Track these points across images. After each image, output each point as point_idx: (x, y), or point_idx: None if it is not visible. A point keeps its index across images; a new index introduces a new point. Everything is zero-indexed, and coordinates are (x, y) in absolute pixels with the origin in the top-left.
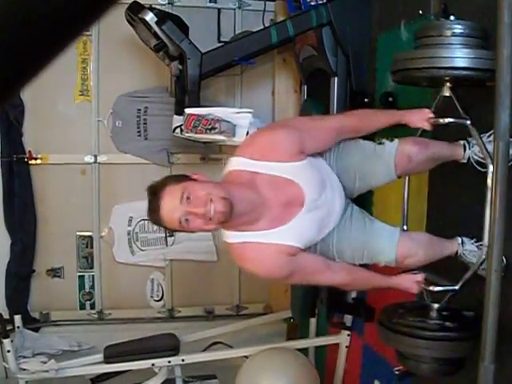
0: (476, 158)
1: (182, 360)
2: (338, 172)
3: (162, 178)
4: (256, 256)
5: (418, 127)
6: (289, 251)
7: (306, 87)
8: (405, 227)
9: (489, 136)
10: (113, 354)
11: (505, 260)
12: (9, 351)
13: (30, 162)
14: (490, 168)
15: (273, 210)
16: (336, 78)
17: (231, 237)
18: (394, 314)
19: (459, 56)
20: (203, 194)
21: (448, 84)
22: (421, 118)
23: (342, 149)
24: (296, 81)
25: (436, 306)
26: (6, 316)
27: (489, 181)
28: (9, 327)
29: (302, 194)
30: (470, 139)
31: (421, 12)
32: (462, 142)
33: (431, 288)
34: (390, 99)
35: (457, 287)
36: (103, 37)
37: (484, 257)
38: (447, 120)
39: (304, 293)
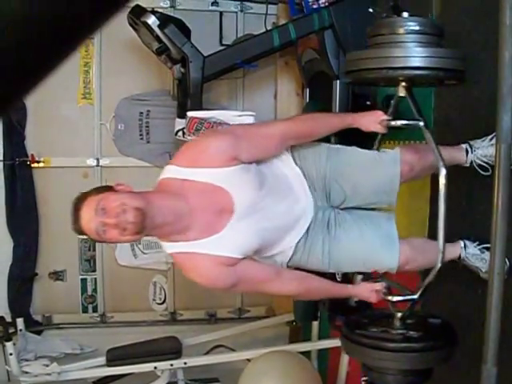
0: (478, 161)
1: (185, 363)
2: (331, 179)
3: (89, 189)
4: (193, 267)
5: (371, 130)
6: (224, 262)
7: (308, 90)
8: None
9: (491, 139)
10: (115, 357)
11: (508, 262)
12: (11, 354)
13: (32, 165)
14: (443, 171)
15: (203, 219)
16: (338, 81)
17: (168, 247)
18: (357, 324)
19: (414, 55)
20: (116, 204)
21: (403, 84)
22: (373, 121)
23: (338, 156)
24: (298, 84)
25: (399, 314)
26: (9, 319)
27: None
28: (11, 330)
29: (232, 201)
30: (472, 143)
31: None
32: (464, 146)
33: (390, 298)
34: (392, 102)
35: (416, 296)
36: (105, 40)
37: (439, 265)
38: (400, 122)
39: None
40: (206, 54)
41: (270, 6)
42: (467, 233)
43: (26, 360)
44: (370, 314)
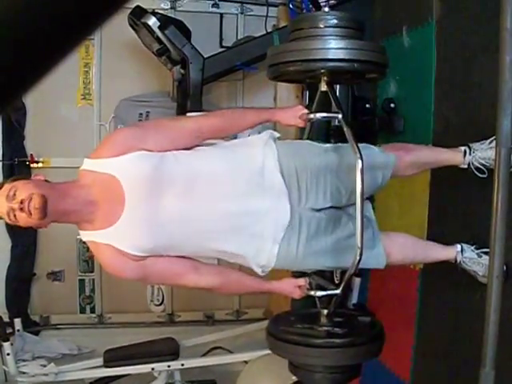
0: (476, 164)
1: (182, 364)
2: (322, 179)
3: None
4: (101, 256)
5: (291, 125)
6: (126, 255)
7: (307, 93)
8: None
9: (490, 142)
10: (113, 357)
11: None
12: (9, 354)
13: (31, 165)
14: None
15: (103, 209)
16: (338, 85)
17: (83, 236)
18: (284, 321)
19: (333, 47)
20: (25, 192)
21: (325, 78)
22: (293, 116)
23: (329, 156)
24: (298, 86)
25: (325, 311)
26: (6, 319)
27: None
28: (9, 330)
29: (122, 191)
30: (471, 145)
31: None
32: (462, 148)
33: (313, 293)
34: (392, 105)
35: (338, 291)
36: (106, 41)
37: (358, 258)
38: (319, 115)
39: (304, 298)
40: (206, 56)
41: (270, 8)
42: (465, 236)
43: (24, 360)
44: (297, 312)
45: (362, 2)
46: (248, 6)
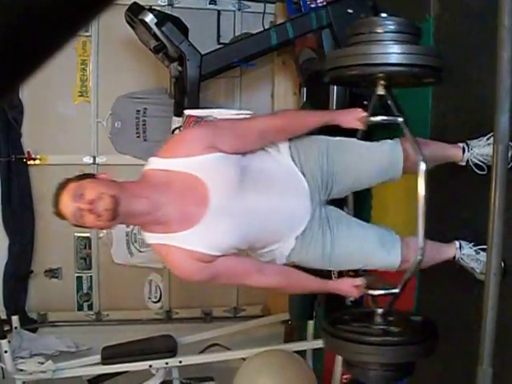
0: (475, 160)
1: (180, 362)
2: (333, 173)
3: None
4: (171, 259)
5: (351, 127)
6: (198, 257)
7: (305, 90)
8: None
9: (487, 139)
10: (110, 355)
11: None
12: (6, 352)
13: (28, 162)
14: (422, 166)
15: (181, 211)
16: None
17: (150, 238)
18: (339, 320)
19: (391, 52)
20: (94, 191)
21: (382, 82)
22: (353, 118)
23: (339, 148)
24: (295, 83)
25: (380, 310)
26: (4, 316)
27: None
28: (6, 328)
29: (207, 193)
30: (469, 142)
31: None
32: (461, 145)
33: (371, 292)
34: (389, 102)
35: (397, 290)
36: (103, 38)
37: (419, 257)
38: (380, 118)
39: (302, 295)
40: (203, 53)
41: (267, 4)
42: (463, 233)
43: (21, 357)
44: (351, 311)
45: None
46: (245, 2)
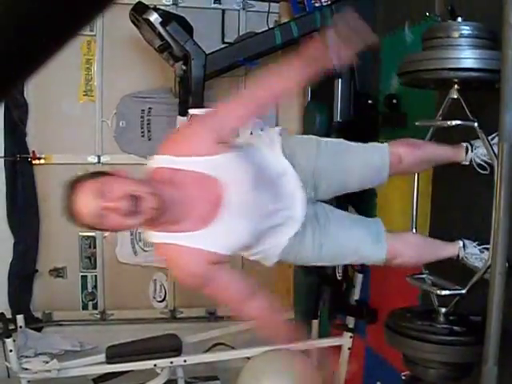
0: (478, 160)
1: (184, 361)
2: (321, 173)
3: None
4: (175, 259)
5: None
6: (210, 258)
7: (309, 89)
8: (414, 230)
9: (492, 138)
10: (115, 354)
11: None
12: (11, 351)
13: (33, 161)
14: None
15: (196, 210)
16: (340, 80)
17: (158, 237)
18: (402, 317)
19: (467, 57)
20: (125, 189)
21: (456, 86)
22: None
23: (327, 149)
24: None
25: (443, 310)
26: (9, 316)
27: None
28: (11, 327)
29: (222, 192)
30: (473, 142)
31: (428, 14)
32: (464, 145)
33: (438, 292)
34: (394, 101)
35: (464, 291)
36: (107, 37)
37: (490, 262)
38: (454, 122)
39: (306, 294)
40: (208, 52)
41: (272, 4)
42: (467, 232)
43: (26, 357)
44: (412, 309)
45: None
46: (250, 1)
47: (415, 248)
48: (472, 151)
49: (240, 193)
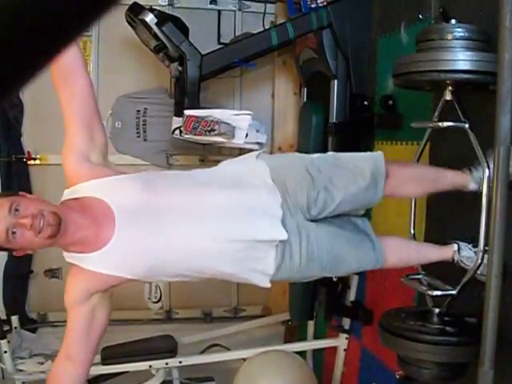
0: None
1: (180, 362)
2: (316, 190)
3: None
4: (69, 279)
5: None
6: (105, 281)
7: (305, 90)
8: (412, 231)
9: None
10: (110, 355)
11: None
12: (5, 352)
13: (28, 162)
14: (486, 173)
15: (94, 232)
16: (336, 81)
17: (67, 257)
18: (396, 317)
19: (461, 59)
20: (33, 207)
21: (450, 88)
22: None
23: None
24: (296, 83)
25: (437, 310)
26: (3, 317)
27: (484, 186)
28: (6, 328)
29: (111, 210)
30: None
31: (421, 16)
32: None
33: (430, 292)
34: (390, 102)
35: (455, 292)
36: (103, 37)
37: (480, 261)
38: (446, 124)
39: (302, 295)
40: (203, 53)
41: (268, 4)
42: (463, 235)
43: (21, 358)
44: (407, 309)
45: None
46: (246, 2)
47: (394, 251)
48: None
49: (128, 206)
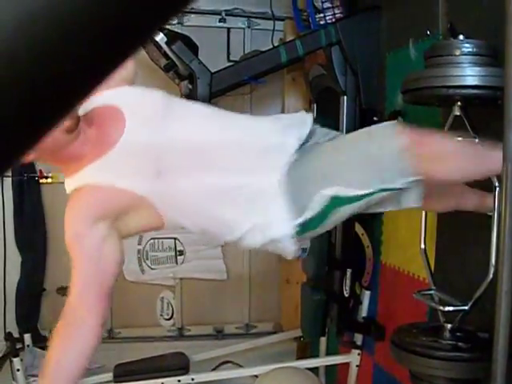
0: None
1: (192, 379)
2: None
3: None
4: (68, 211)
5: None
6: (108, 197)
7: (315, 106)
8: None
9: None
10: (122, 372)
11: None
12: (18, 370)
13: (40, 180)
14: (496, 189)
15: (94, 133)
16: (345, 97)
17: (68, 184)
18: (408, 333)
19: (469, 74)
20: None
21: (458, 103)
22: None
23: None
24: (305, 100)
25: (449, 326)
26: (16, 335)
27: (495, 202)
28: (19, 346)
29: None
30: None
31: (429, 32)
32: None
33: (442, 307)
34: (399, 118)
35: (467, 307)
36: None
37: (491, 276)
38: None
39: (314, 311)
40: (213, 71)
41: (277, 22)
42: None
43: (34, 376)
44: (419, 324)
45: (369, 15)
46: (255, 20)
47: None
48: None
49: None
